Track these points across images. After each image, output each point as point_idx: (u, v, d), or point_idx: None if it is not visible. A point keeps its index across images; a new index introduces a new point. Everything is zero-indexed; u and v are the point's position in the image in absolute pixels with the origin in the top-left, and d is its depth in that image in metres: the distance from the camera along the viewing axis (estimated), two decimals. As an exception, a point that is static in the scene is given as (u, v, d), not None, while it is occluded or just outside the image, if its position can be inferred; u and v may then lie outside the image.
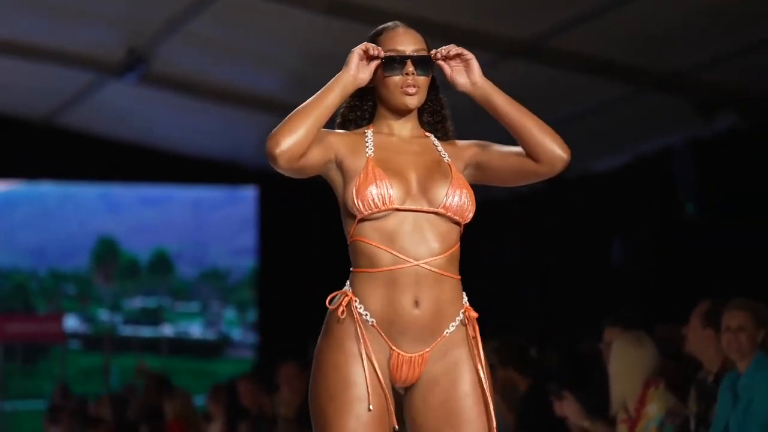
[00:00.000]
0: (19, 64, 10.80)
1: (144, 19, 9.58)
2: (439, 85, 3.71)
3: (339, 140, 3.54)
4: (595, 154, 10.81)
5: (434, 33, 8.55)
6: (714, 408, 5.59)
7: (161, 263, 14.61)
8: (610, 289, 10.70)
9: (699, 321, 5.72)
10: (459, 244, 3.53)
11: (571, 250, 11.20)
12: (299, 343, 11.65)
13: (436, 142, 3.64)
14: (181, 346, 14.28)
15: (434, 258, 3.45)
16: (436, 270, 3.45)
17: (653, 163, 10.09)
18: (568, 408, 6.24)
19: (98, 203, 14.49)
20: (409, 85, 3.55)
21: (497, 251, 11.61)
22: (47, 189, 14.17)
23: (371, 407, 3.39)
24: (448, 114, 3.71)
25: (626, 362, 6.03)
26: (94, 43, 10.24)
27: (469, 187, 3.55)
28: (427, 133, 3.66)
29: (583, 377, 7.30)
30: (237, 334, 14.11)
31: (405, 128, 3.62)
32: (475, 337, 3.53)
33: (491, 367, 7.24)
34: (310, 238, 13.34)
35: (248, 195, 13.94)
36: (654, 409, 5.92)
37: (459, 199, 3.50)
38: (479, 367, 3.50)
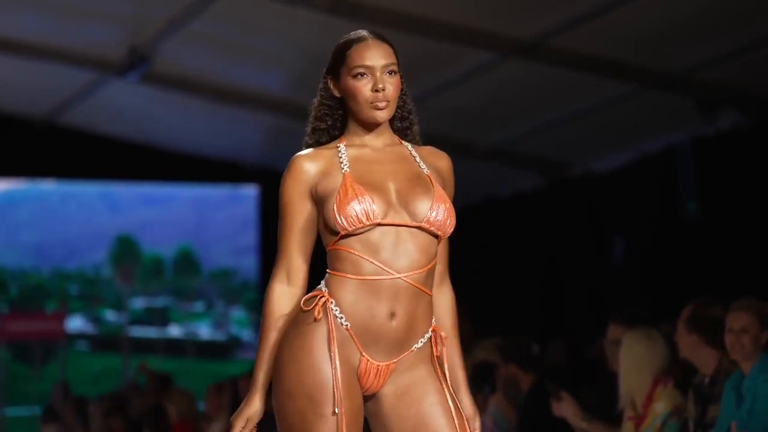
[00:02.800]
0: (21, 63, 10.80)
1: (146, 18, 9.58)
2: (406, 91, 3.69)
3: (308, 179, 3.53)
4: (596, 152, 10.81)
5: (436, 32, 8.59)
6: (711, 411, 5.60)
7: (186, 262, 14.38)
8: (612, 287, 10.70)
9: (684, 327, 5.72)
10: (436, 259, 3.55)
11: (573, 249, 11.21)
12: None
13: (413, 150, 3.63)
14: (190, 347, 14.14)
15: (415, 272, 3.47)
16: (415, 284, 3.47)
17: (655, 162, 10.09)
18: (566, 409, 6.25)
19: (100, 202, 14.46)
20: (379, 100, 3.53)
21: (499, 250, 11.61)
22: (49, 188, 14.14)
23: (341, 410, 3.42)
24: (415, 119, 3.70)
25: (636, 358, 6.02)
26: (96, 41, 10.25)
27: (450, 201, 3.55)
28: (402, 141, 3.65)
29: (586, 375, 7.31)
30: (247, 335, 13.99)
31: (378, 139, 3.60)
32: (439, 357, 3.55)
33: (494, 365, 7.29)
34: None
35: (249, 194, 13.94)
36: (661, 407, 5.92)
37: (443, 214, 3.50)
38: (443, 384, 3.52)
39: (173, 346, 14.16)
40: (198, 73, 10.68)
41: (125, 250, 14.31)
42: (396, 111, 3.63)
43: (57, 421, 11.79)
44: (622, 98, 9.33)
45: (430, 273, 3.52)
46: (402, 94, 3.64)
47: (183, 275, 14.36)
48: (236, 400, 9.33)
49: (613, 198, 10.72)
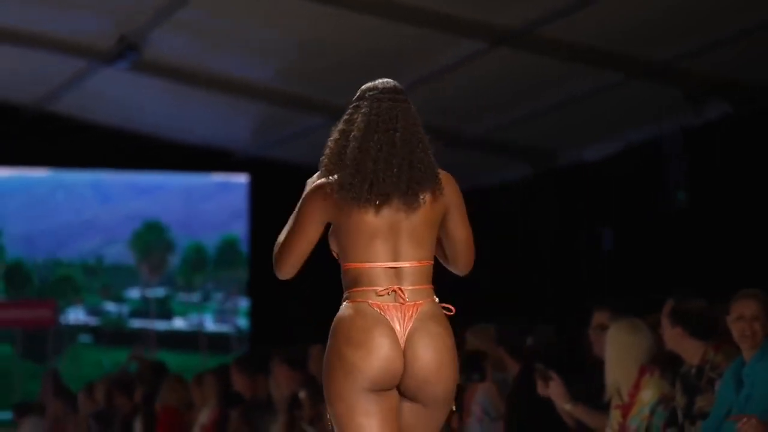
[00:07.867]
0: (10, 51, 10.80)
1: (136, 6, 9.58)
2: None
3: None
4: (585, 142, 10.84)
5: (424, 21, 8.59)
6: (698, 401, 5.65)
7: (231, 253, 13.95)
8: (601, 277, 10.74)
9: (667, 321, 5.78)
10: None
11: (562, 238, 11.23)
12: (290, 329, 11.70)
13: None
14: (193, 339, 13.82)
15: None
16: None
17: (643, 152, 10.12)
18: (553, 389, 6.25)
19: (90, 191, 14.38)
20: None
21: (486, 239, 11.60)
22: (38, 177, 14.06)
23: None
24: None
25: (622, 348, 6.05)
26: (85, 30, 10.24)
27: None
28: None
29: (575, 363, 7.33)
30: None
31: None
32: None
33: (484, 353, 7.27)
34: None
35: (240, 183, 13.92)
36: (648, 395, 5.95)
37: None
38: None
39: (183, 339, 13.89)
40: (188, 62, 10.68)
41: (154, 237, 13.90)
42: None
43: (35, 413, 11.73)
44: (610, 88, 9.36)
45: None
46: None
47: (226, 267, 14.00)
48: (227, 388, 9.34)
49: (601, 187, 10.75)
